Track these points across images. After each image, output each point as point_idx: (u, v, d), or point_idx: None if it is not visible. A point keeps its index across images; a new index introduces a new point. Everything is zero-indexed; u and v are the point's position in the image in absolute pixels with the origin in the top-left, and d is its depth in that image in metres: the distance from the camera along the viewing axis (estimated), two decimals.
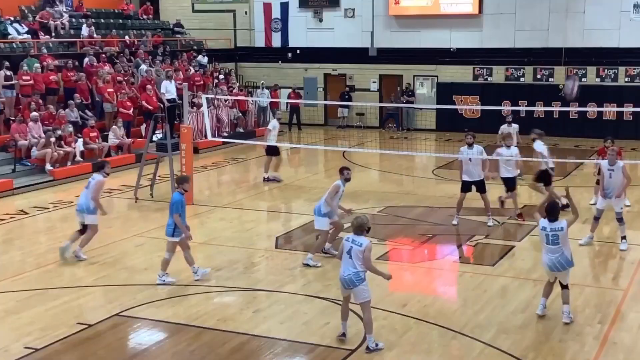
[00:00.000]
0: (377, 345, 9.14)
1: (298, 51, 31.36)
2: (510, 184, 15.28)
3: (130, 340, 9.85)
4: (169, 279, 11.66)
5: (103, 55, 24.89)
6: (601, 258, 13.01)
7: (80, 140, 20.78)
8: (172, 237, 11.57)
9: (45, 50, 23.55)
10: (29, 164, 19.63)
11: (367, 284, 9.10)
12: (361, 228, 9.15)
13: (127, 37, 27.65)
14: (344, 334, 9.43)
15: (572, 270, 12.16)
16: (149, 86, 23.94)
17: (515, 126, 20.10)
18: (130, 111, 23.10)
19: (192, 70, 27.45)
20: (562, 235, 9.80)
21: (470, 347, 9.32)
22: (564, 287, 10.01)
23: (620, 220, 13.25)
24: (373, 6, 29.75)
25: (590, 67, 27.20)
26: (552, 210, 9.94)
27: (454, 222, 14.88)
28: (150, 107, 23.37)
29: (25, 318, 10.32)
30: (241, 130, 26.90)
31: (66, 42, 25.50)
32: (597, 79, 27.21)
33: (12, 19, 24.72)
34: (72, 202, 17.67)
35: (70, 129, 20.54)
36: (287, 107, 30.07)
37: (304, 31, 31.20)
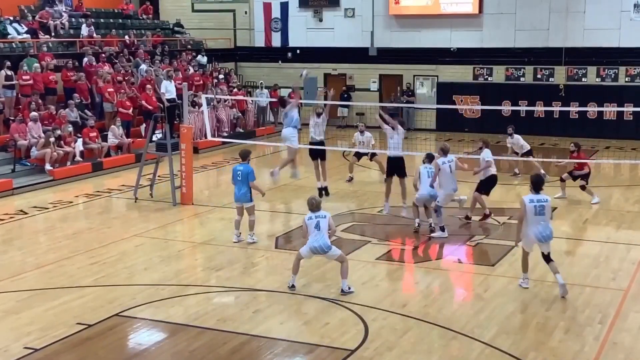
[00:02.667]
0: (349, 288, 11.00)
1: (298, 51, 31.36)
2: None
3: (130, 340, 9.83)
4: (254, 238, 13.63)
5: (103, 55, 24.89)
6: (601, 258, 12.99)
7: (80, 140, 20.77)
8: (251, 201, 13.60)
9: (45, 49, 23.55)
10: (29, 164, 19.62)
11: None
12: (319, 205, 11.12)
13: (127, 37, 27.64)
14: (294, 286, 11.19)
15: (572, 270, 12.22)
16: (148, 86, 23.94)
17: None
18: (130, 111, 23.10)
19: (192, 70, 27.44)
20: (547, 206, 10.82)
21: (470, 347, 9.31)
22: (550, 258, 10.94)
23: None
24: (373, 6, 29.76)
25: (591, 67, 27.20)
26: (537, 183, 10.90)
27: (403, 213, 15.30)
28: (149, 107, 23.37)
29: (25, 318, 10.31)
30: (241, 130, 26.89)
31: (66, 42, 25.50)
32: (597, 79, 27.21)
33: (11, 18, 24.72)
34: (71, 202, 17.69)
35: (70, 128, 20.53)
36: None
37: (304, 31, 31.21)
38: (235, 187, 13.65)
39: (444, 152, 14.24)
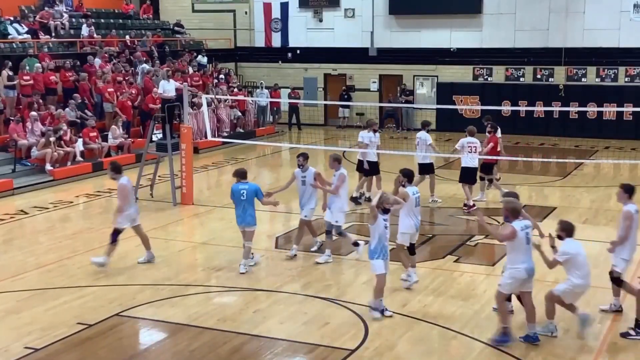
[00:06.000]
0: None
1: (298, 51, 31.38)
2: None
3: (130, 340, 9.85)
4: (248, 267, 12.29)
5: (105, 55, 24.93)
6: (601, 258, 12.98)
7: (80, 140, 20.78)
8: (255, 224, 12.20)
9: (46, 50, 23.56)
10: (29, 164, 19.63)
11: None
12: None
13: (127, 37, 27.65)
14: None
15: None
16: (155, 89, 23.90)
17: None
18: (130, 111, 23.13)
19: (191, 70, 27.43)
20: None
21: (470, 347, 9.32)
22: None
23: (340, 234, 12.80)
24: (373, 6, 29.77)
25: (590, 67, 27.21)
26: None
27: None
28: (154, 107, 23.30)
29: (25, 318, 10.33)
30: (241, 130, 26.91)
31: (66, 42, 25.51)
32: (597, 79, 27.21)
33: (12, 19, 24.72)
34: (72, 202, 17.70)
35: (65, 127, 20.45)
36: (288, 106, 30.12)
37: (304, 31, 31.22)
38: (238, 208, 12.17)
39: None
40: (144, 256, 12.72)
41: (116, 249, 12.35)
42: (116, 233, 12.28)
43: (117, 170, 12.48)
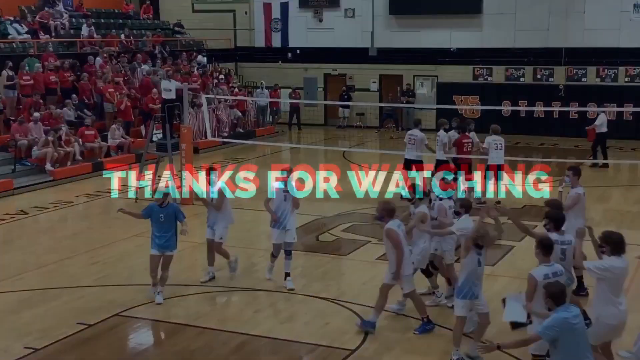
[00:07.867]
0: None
1: (298, 51, 31.38)
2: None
3: (130, 340, 9.85)
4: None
5: (105, 55, 24.93)
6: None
7: (78, 140, 20.78)
8: (176, 248, 11.10)
9: (51, 49, 23.58)
10: (29, 164, 19.63)
11: None
12: None
13: (122, 36, 27.60)
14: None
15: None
16: (155, 90, 23.88)
17: None
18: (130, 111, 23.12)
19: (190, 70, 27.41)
20: None
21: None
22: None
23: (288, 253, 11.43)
24: (373, 6, 29.77)
25: (590, 67, 27.20)
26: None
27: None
28: (153, 107, 23.28)
29: (25, 318, 10.33)
30: (241, 130, 26.90)
31: (66, 42, 25.51)
32: (597, 79, 27.21)
33: (12, 19, 24.73)
34: (72, 202, 17.69)
35: (65, 128, 20.46)
36: (288, 106, 30.12)
37: (304, 31, 31.21)
38: (157, 230, 10.78)
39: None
40: None
41: None
42: None
43: None
